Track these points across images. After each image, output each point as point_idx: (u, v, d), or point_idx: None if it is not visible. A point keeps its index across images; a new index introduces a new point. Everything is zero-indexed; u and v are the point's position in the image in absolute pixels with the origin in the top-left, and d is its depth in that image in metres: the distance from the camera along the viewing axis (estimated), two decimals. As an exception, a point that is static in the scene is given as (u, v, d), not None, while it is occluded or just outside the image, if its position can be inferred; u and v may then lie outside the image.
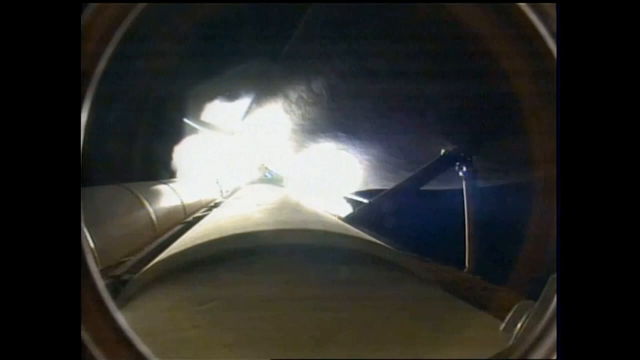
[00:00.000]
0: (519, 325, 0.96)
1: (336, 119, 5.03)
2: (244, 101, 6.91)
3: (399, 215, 4.47)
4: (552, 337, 0.73)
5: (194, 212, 5.00)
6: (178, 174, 7.76)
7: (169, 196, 5.38)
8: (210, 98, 6.94)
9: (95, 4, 0.70)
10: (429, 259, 2.38)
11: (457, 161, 4.22)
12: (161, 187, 5.49)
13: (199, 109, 7.37)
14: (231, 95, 6.83)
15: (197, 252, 1.69)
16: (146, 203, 4.40)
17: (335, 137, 5.48)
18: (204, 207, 5.63)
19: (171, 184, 5.90)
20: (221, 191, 8.16)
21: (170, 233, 3.52)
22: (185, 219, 4.51)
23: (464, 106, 3.66)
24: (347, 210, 5.45)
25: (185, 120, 7.66)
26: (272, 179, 8.70)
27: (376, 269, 1.69)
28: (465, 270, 3.70)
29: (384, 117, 4.49)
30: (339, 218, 3.98)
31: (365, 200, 4.98)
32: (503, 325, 1.02)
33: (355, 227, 2.72)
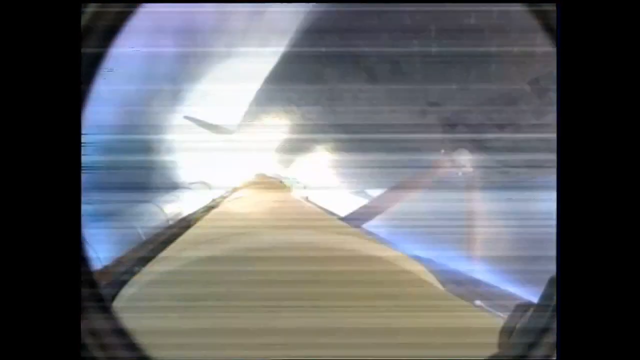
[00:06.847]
0: (519, 325, 0.95)
1: (336, 119, 5.02)
2: (244, 101, 6.91)
3: (399, 215, 4.46)
4: (552, 337, 0.73)
5: (193, 212, 4.99)
6: (178, 174, 7.75)
7: (168, 196, 5.36)
8: (210, 98, 6.94)
9: (95, 4, 0.70)
10: (429, 259, 2.37)
11: (457, 161, 4.22)
12: (160, 187, 5.47)
13: (198, 108, 7.36)
14: (231, 95, 6.83)
15: (197, 252, 1.69)
16: (146, 203, 4.38)
17: (335, 137, 5.47)
18: (203, 207, 5.62)
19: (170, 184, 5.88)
20: (220, 191, 8.14)
21: (169, 233, 3.51)
22: (185, 219, 4.50)
23: (464, 106, 3.66)
24: (347, 210, 5.44)
25: (185, 119, 7.66)
26: (272, 179, 8.68)
27: (376, 269, 1.68)
28: (465, 270, 3.69)
29: (383, 117, 4.49)
30: (339, 218, 3.97)
31: (366, 200, 4.97)
32: (503, 325, 1.02)
33: (356, 227, 2.71)
